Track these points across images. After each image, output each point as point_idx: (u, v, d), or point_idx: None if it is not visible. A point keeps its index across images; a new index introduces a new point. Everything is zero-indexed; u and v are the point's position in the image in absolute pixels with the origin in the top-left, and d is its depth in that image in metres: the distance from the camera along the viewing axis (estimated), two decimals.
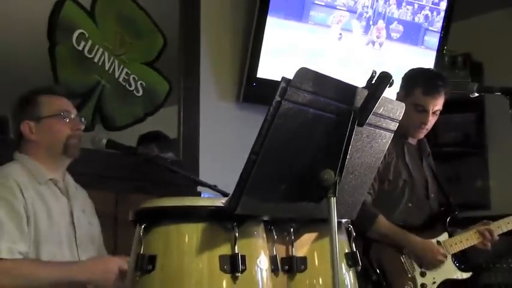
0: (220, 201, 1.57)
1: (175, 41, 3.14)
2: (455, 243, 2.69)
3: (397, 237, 2.59)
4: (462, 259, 2.73)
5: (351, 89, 1.55)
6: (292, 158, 1.52)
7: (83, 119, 2.26)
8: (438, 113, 2.75)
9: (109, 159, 2.69)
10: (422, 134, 2.79)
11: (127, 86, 2.93)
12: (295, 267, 1.67)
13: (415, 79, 2.74)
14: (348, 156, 1.54)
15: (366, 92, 1.54)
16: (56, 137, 2.14)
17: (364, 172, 1.70)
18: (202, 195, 2.71)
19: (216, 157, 3.16)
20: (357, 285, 1.83)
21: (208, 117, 3.19)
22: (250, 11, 3.28)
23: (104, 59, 2.84)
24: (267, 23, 3.20)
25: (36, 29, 2.77)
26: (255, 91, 3.24)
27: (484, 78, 4.32)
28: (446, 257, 2.64)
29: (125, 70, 2.92)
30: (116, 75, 2.89)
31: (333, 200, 1.50)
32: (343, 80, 1.54)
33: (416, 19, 3.72)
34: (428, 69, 2.96)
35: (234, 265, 1.52)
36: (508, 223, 2.78)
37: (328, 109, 1.50)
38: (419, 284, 2.58)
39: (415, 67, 2.89)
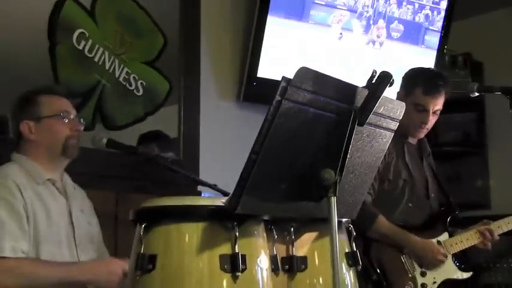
0: (221, 201, 1.57)
1: (176, 40, 3.13)
2: (456, 243, 2.69)
3: (397, 237, 2.59)
4: (462, 259, 2.73)
5: (351, 89, 1.55)
6: (293, 158, 1.52)
7: (82, 120, 2.26)
8: (438, 112, 2.74)
9: (109, 158, 2.69)
10: (422, 134, 2.79)
11: (127, 85, 2.93)
12: (295, 267, 1.67)
13: (416, 79, 2.74)
14: (348, 156, 1.54)
15: (366, 92, 1.54)
16: (55, 138, 2.14)
17: (364, 171, 1.70)
18: (202, 195, 2.71)
19: (216, 156, 3.16)
20: (357, 284, 1.83)
21: (209, 116, 3.19)
22: (251, 10, 3.28)
23: (104, 58, 2.84)
24: (267, 23, 3.20)
25: (37, 28, 2.77)
26: (255, 90, 3.24)
27: (484, 78, 4.32)
28: (446, 257, 2.64)
29: (125, 69, 2.92)
30: (116, 75, 2.89)
31: (333, 200, 1.50)
32: (343, 80, 1.54)
33: (416, 18, 3.72)
34: (428, 69, 2.96)
35: (234, 264, 1.52)
36: (509, 223, 2.78)
37: (329, 108, 1.50)
38: (419, 284, 2.58)
39: (415, 67, 2.89)
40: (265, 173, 1.46)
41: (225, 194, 2.31)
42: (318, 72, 1.46)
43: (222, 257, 1.53)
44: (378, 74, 1.52)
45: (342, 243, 1.76)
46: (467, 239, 2.72)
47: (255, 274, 1.57)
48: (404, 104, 1.71)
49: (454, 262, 2.69)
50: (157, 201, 1.65)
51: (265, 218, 1.65)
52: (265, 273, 1.59)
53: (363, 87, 1.55)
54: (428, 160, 2.88)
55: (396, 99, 2.17)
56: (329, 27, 3.41)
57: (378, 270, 2.55)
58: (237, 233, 1.54)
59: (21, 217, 1.97)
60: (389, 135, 1.71)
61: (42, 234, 2.01)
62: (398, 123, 1.71)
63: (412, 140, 2.82)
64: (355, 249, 1.80)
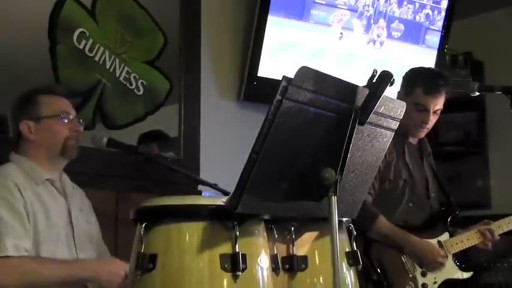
0: (221, 200, 1.57)
1: (176, 39, 3.13)
2: (456, 243, 2.69)
3: (397, 238, 2.59)
4: (463, 259, 2.73)
5: (352, 88, 1.55)
6: (293, 157, 1.51)
7: (81, 120, 2.26)
8: (439, 112, 2.74)
9: (110, 158, 2.69)
10: (423, 134, 2.79)
11: (128, 84, 2.93)
12: (295, 266, 1.67)
13: (416, 78, 2.74)
14: (348, 155, 1.53)
15: (366, 91, 1.54)
16: (54, 138, 2.14)
17: (365, 171, 1.69)
18: (203, 194, 2.71)
19: (216, 156, 3.16)
20: (358, 284, 1.83)
21: (209, 116, 3.19)
22: (251, 9, 3.28)
23: (105, 57, 2.84)
24: (267, 22, 3.20)
25: (37, 27, 2.77)
26: (255, 90, 3.24)
27: (484, 77, 4.32)
28: (446, 258, 2.64)
29: (126, 69, 2.92)
30: (117, 74, 2.89)
31: (334, 199, 1.50)
32: (344, 79, 1.54)
33: (417, 18, 3.72)
34: (429, 69, 2.96)
35: (234, 264, 1.52)
36: (509, 223, 2.78)
37: (329, 108, 1.50)
38: (420, 284, 2.58)
39: (415, 66, 2.89)
40: (266, 172, 1.46)
41: (225, 193, 2.31)
42: (318, 71, 1.46)
43: (222, 256, 1.53)
44: (378, 73, 1.52)
45: (342, 242, 1.76)
46: (468, 238, 2.71)
47: (255, 273, 1.57)
48: (404, 103, 1.71)
49: (455, 262, 2.69)
50: (158, 200, 1.65)
51: (266, 217, 1.65)
52: (265, 273, 1.59)
53: (364, 86, 1.55)
54: (428, 160, 2.87)
55: (396, 98, 2.17)
56: (329, 26, 3.41)
57: (379, 270, 2.55)
58: (238, 233, 1.54)
59: (22, 216, 1.97)
60: (390, 135, 1.71)
61: (42, 235, 2.01)
62: (398, 123, 1.71)
63: (413, 140, 2.82)
64: (355, 249, 1.80)
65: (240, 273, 1.52)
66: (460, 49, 4.24)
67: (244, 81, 3.27)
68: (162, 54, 3.06)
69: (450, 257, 2.67)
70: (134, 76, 2.95)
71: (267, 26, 3.20)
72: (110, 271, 1.98)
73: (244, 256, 1.54)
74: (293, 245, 1.68)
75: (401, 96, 2.69)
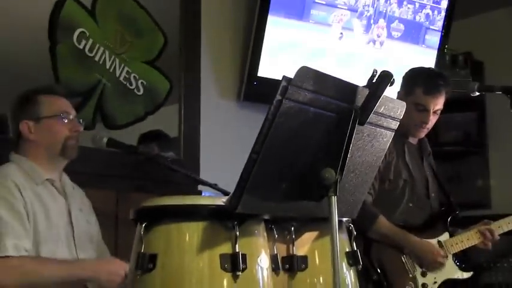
0: (221, 200, 1.57)
1: (176, 39, 3.13)
2: (456, 243, 2.69)
3: (397, 238, 2.59)
4: (463, 259, 2.73)
5: (352, 88, 1.55)
6: (293, 157, 1.51)
7: (81, 120, 2.26)
8: (439, 112, 2.74)
9: (110, 158, 2.69)
10: (423, 134, 2.79)
11: (128, 84, 2.93)
12: (295, 266, 1.67)
13: (416, 78, 2.74)
14: (348, 155, 1.53)
15: (366, 91, 1.54)
16: (54, 138, 2.14)
17: (365, 171, 1.70)
18: (203, 194, 2.71)
19: (216, 156, 3.16)
20: (358, 284, 1.83)
21: (209, 116, 3.19)
22: (251, 9, 3.28)
23: (105, 57, 2.84)
24: (267, 22, 3.20)
25: (37, 27, 2.77)
26: (255, 90, 3.24)
27: (484, 77, 4.32)
28: (446, 258, 2.64)
29: (126, 69, 2.92)
30: (117, 74, 2.89)
31: (334, 199, 1.50)
32: (344, 79, 1.54)
33: (417, 18, 3.72)
34: (429, 69, 2.96)
35: (234, 264, 1.52)
36: (509, 223, 2.78)
37: (329, 108, 1.50)
38: (420, 284, 2.57)
39: (415, 66, 2.89)
40: (266, 172, 1.46)
41: (225, 193, 2.31)
42: (318, 71, 1.46)
43: (222, 256, 1.53)
44: (378, 73, 1.52)
45: (342, 242, 1.76)
46: (468, 238, 2.71)
47: (255, 273, 1.57)
48: (404, 103, 1.71)
49: (455, 262, 2.69)
50: (158, 200, 1.65)
51: (266, 217, 1.65)
52: (265, 273, 1.59)
53: (364, 86, 1.55)
54: (428, 160, 2.87)
55: (396, 98, 2.17)
56: (329, 26, 3.41)
57: (379, 270, 2.55)
58: (238, 233, 1.54)
59: (22, 216, 1.97)
60: (390, 135, 1.71)
61: (42, 235, 2.01)
62: (398, 123, 1.71)
63: (413, 140, 2.82)
64: (355, 249, 1.80)
65: (240, 273, 1.52)
66: (460, 49, 4.24)
67: (244, 81, 3.28)
68: (162, 54, 3.06)
69: (450, 257, 2.67)
70: (134, 76, 2.95)
71: (267, 26, 3.20)
72: (110, 271, 1.98)
73: (244, 256, 1.54)
74: (293, 245, 1.68)
75: (401, 96, 2.69)
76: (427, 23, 3.75)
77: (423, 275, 2.60)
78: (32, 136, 2.13)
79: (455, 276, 2.68)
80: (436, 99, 2.69)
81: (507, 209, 3.17)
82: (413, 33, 3.71)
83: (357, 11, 3.49)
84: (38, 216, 2.02)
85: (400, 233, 2.60)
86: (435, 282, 2.61)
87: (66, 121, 2.16)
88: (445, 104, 2.75)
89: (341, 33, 3.45)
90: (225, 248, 1.54)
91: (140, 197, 1.81)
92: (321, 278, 1.70)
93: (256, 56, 3.22)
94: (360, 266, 1.81)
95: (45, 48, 2.69)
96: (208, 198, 1.88)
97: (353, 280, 1.78)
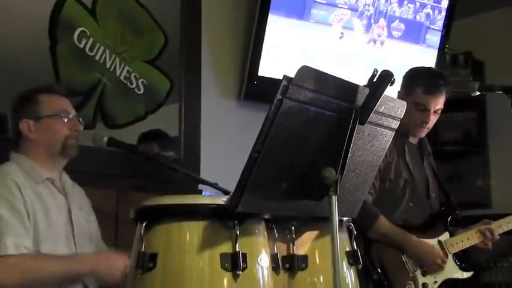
0: (222, 200, 1.57)
1: (177, 38, 3.13)
2: (457, 243, 2.69)
3: (397, 238, 2.59)
4: (463, 258, 2.73)
5: (352, 87, 1.55)
6: (294, 156, 1.52)
7: (81, 119, 2.26)
8: (439, 111, 2.74)
9: (110, 157, 2.69)
10: (423, 133, 2.79)
11: (128, 84, 2.93)
12: (296, 266, 1.68)
13: (416, 78, 2.74)
14: (349, 155, 1.54)
15: (367, 90, 1.54)
16: (54, 137, 2.14)
17: (365, 170, 1.70)
18: (203, 193, 2.71)
19: (217, 155, 3.16)
20: (358, 283, 1.83)
21: (209, 115, 3.19)
22: (252, 8, 3.28)
23: (105, 57, 2.84)
24: (268, 21, 3.20)
25: (38, 26, 2.77)
26: (256, 89, 3.24)
27: (485, 77, 4.32)
28: (446, 260, 2.63)
29: (126, 68, 2.92)
30: (117, 73, 2.89)
31: (334, 198, 1.50)
32: (344, 79, 1.54)
33: (417, 17, 3.72)
34: (429, 68, 2.96)
35: (235, 263, 1.52)
36: (509, 222, 2.77)
37: (330, 107, 1.50)
38: (420, 284, 2.57)
39: (416, 66, 2.89)
40: (266, 171, 1.46)
41: (225, 192, 2.31)
42: (319, 71, 1.46)
43: (222, 255, 1.53)
44: (379, 72, 1.52)
45: (342, 242, 1.76)
46: (468, 238, 2.71)
47: (255, 273, 1.57)
48: (405, 103, 1.72)
49: (455, 262, 2.69)
50: (158, 199, 1.65)
51: (266, 216, 1.65)
52: (265, 272, 1.59)
53: (364, 86, 1.55)
54: (429, 160, 2.87)
55: (397, 98, 2.17)
56: (330, 26, 3.41)
57: (379, 270, 2.55)
58: (238, 232, 1.54)
59: (22, 215, 1.97)
60: (391, 134, 1.71)
61: (42, 233, 2.01)
62: (399, 122, 1.71)
63: (413, 140, 2.82)
64: (355, 248, 1.81)
65: (240, 272, 1.52)
66: (461, 49, 4.24)
67: (245, 81, 3.27)
68: (162, 53, 3.06)
69: (450, 256, 2.67)
70: (135, 75, 2.95)
71: (267, 25, 3.20)
72: (109, 265, 1.98)
73: (244, 255, 1.54)
74: (293, 245, 1.69)
75: (401, 95, 2.69)
76: (428, 22, 3.75)
77: (423, 274, 2.60)
78: (32, 135, 2.13)
79: (456, 276, 2.68)
80: (437, 99, 2.69)
81: (507, 208, 3.17)
82: (413, 32, 3.71)
83: (357, 11, 3.49)
84: (37, 215, 2.02)
85: (400, 233, 2.60)
86: (435, 282, 2.61)
87: (66, 120, 2.16)
88: (446, 104, 2.75)
89: (341, 33, 3.45)
90: (226, 247, 1.54)
91: (140, 196, 1.81)
92: (321, 278, 1.71)
93: (257, 55, 3.22)
94: (360, 266, 1.81)
95: (46, 47, 2.69)
96: (208, 197, 1.88)
97: (353, 279, 1.79)
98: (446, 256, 2.65)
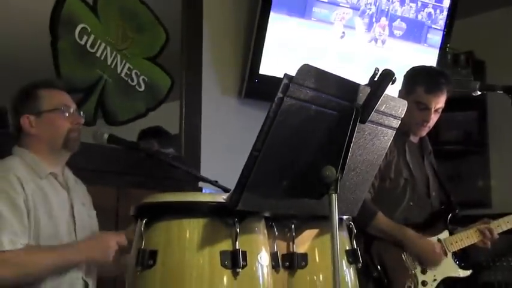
0: (222, 197, 1.57)
1: (178, 36, 3.13)
2: (456, 241, 2.70)
3: (394, 234, 2.59)
4: (462, 257, 2.74)
5: (353, 86, 1.55)
6: (294, 155, 1.52)
7: (82, 113, 2.26)
8: (440, 110, 2.74)
9: (110, 154, 2.70)
10: (424, 132, 2.79)
11: (129, 81, 2.93)
12: (295, 264, 1.68)
13: (417, 77, 2.74)
14: (349, 153, 1.54)
15: (368, 89, 1.54)
16: (56, 131, 2.14)
17: (365, 169, 1.70)
18: (203, 191, 2.72)
19: (217, 153, 3.16)
20: (357, 282, 1.83)
21: (210, 113, 3.19)
22: (253, 6, 3.28)
23: (106, 53, 2.84)
24: (269, 19, 3.20)
25: (39, 22, 2.77)
26: (257, 87, 3.24)
27: (486, 77, 4.32)
28: (445, 255, 2.64)
29: (127, 65, 2.92)
30: (118, 70, 2.89)
31: (334, 197, 1.50)
32: (345, 77, 1.54)
33: (419, 17, 3.71)
34: (430, 67, 2.95)
35: (235, 261, 1.53)
36: (508, 222, 2.78)
37: (330, 106, 1.50)
38: (420, 281, 2.58)
39: (417, 65, 2.88)
40: (267, 170, 1.46)
41: (226, 190, 2.31)
42: (320, 69, 1.46)
43: (222, 253, 1.53)
44: (380, 71, 1.52)
45: (342, 240, 1.76)
46: (467, 237, 2.72)
47: (255, 271, 1.57)
48: (406, 102, 1.72)
49: (454, 260, 2.70)
50: (159, 197, 1.65)
51: (266, 214, 1.66)
52: (265, 270, 1.59)
53: (365, 84, 1.55)
54: (429, 158, 2.87)
55: (398, 97, 2.17)
56: (331, 24, 3.41)
57: (379, 267, 2.55)
58: (238, 230, 1.54)
59: (22, 212, 1.97)
60: (391, 133, 1.71)
61: (43, 228, 2.01)
62: (400, 122, 1.71)
63: (414, 139, 2.82)
64: (355, 247, 1.81)
65: (240, 270, 1.53)
66: (462, 48, 4.24)
67: (246, 79, 3.27)
68: (163, 50, 3.06)
69: (450, 255, 2.68)
70: (135, 72, 2.95)
71: (268, 23, 3.20)
72: (102, 248, 1.98)
73: (244, 253, 1.54)
74: (293, 243, 1.69)
75: (402, 95, 2.69)
76: (429, 21, 3.75)
77: (423, 272, 2.60)
78: (33, 130, 2.13)
79: (455, 274, 2.68)
80: (438, 98, 2.69)
81: (507, 208, 3.17)
82: (415, 32, 3.71)
83: (359, 9, 3.48)
84: (39, 210, 2.02)
85: (399, 228, 2.60)
86: (435, 280, 2.61)
87: (67, 114, 2.16)
88: (446, 103, 2.75)
89: (343, 32, 3.45)
90: (226, 245, 1.54)
91: (141, 193, 1.81)
92: (321, 276, 1.71)
93: (258, 53, 3.22)
94: (360, 264, 1.81)
95: (47, 44, 2.69)
96: (208, 195, 1.88)
97: (353, 278, 1.79)
98: (446, 255, 2.65)
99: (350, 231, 1.81)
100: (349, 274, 1.78)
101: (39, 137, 2.13)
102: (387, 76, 1.51)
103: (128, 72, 2.92)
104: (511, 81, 2.89)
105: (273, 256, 1.65)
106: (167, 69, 3.06)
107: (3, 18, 2.70)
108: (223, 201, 1.55)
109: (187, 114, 3.11)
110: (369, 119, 1.55)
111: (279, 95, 1.41)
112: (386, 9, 3.59)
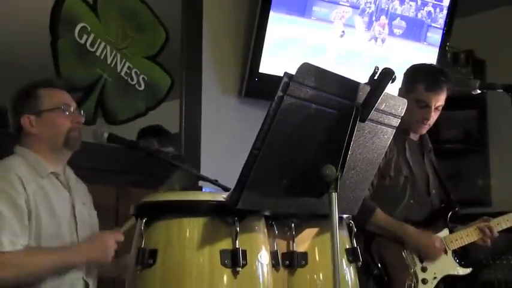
0: (222, 196, 1.57)
1: (178, 35, 3.13)
2: (456, 239, 2.70)
3: (394, 229, 2.59)
4: (462, 255, 2.74)
5: (353, 85, 1.55)
6: (294, 153, 1.52)
7: (82, 112, 2.26)
8: (440, 108, 2.74)
9: (110, 153, 2.70)
10: (424, 130, 2.79)
11: (129, 80, 2.93)
12: (295, 263, 1.68)
13: (417, 75, 2.73)
14: (349, 152, 1.54)
15: (368, 88, 1.54)
16: (56, 131, 2.14)
17: (365, 168, 1.70)
18: (203, 190, 2.71)
19: (217, 152, 3.16)
20: (357, 281, 1.83)
21: (210, 112, 3.19)
22: (253, 5, 3.28)
23: (106, 52, 2.84)
24: (269, 18, 3.20)
25: (38, 21, 2.77)
26: (257, 86, 3.24)
27: (486, 75, 4.32)
28: (446, 252, 2.64)
29: (127, 64, 2.92)
30: (118, 69, 2.89)
31: (334, 196, 1.50)
32: (345, 76, 1.54)
33: (419, 15, 3.71)
34: (430, 65, 2.95)
35: (235, 260, 1.53)
36: (507, 220, 2.78)
37: (330, 104, 1.50)
38: (420, 279, 2.58)
39: (417, 63, 2.88)
40: (267, 168, 1.46)
41: (226, 189, 2.31)
42: (320, 68, 1.46)
43: (222, 252, 1.53)
44: (380, 70, 1.52)
45: (342, 239, 1.76)
46: (467, 235, 2.72)
47: (255, 269, 1.57)
48: (406, 100, 1.71)
49: (454, 258, 2.70)
50: (158, 196, 1.66)
51: (266, 213, 1.66)
52: (265, 269, 1.60)
53: (365, 83, 1.55)
54: (429, 156, 2.87)
55: (398, 95, 2.17)
56: (331, 23, 3.41)
57: (379, 265, 2.55)
58: (238, 229, 1.54)
59: (22, 212, 1.97)
60: (391, 132, 1.71)
61: (45, 228, 2.01)
62: (400, 120, 1.71)
63: (414, 136, 2.82)
64: (355, 246, 1.81)
65: (240, 269, 1.53)
66: (462, 47, 4.24)
67: (246, 78, 3.27)
68: (163, 49, 3.06)
69: (450, 253, 2.68)
70: (135, 71, 2.95)
71: (268, 22, 3.20)
72: (102, 248, 1.98)
73: (244, 252, 1.54)
74: (293, 242, 1.69)
75: (402, 93, 2.69)
76: (429, 20, 3.75)
77: (423, 270, 2.60)
78: (33, 130, 2.13)
79: (455, 272, 2.68)
80: (438, 96, 2.69)
81: (507, 206, 3.16)
82: (415, 30, 3.71)
83: (358, 8, 3.48)
84: (41, 209, 2.02)
85: (397, 224, 2.60)
86: (435, 278, 2.61)
87: (67, 113, 2.16)
88: (446, 102, 2.75)
89: (343, 31, 3.45)
90: (226, 244, 1.54)
91: (140, 192, 1.81)
92: (321, 275, 1.71)
93: (258, 52, 3.22)
94: (360, 263, 1.81)
95: (47, 43, 2.69)
96: (208, 194, 1.88)
97: (353, 277, 1.79)
98: (446, 253, 2.66)
99: (350, 229, 1.81)
100: (349, 273, 1.78)
101: (39, 136, 2.13)
102: (387, 75, 1.51)
103: (128, 71, 2.92)
104: (510, 79, 2.88)
105: (273, 255, 1.65)
106: (167, 68, 3.06)
107: (3, 17, 2.70)
108: (223, 200, 1.55)
109: (187, 114, 3.11)
110: (369, 117, 1.56)
111: (279, 93, 1.41)
112: (386, 8, 3.59)
